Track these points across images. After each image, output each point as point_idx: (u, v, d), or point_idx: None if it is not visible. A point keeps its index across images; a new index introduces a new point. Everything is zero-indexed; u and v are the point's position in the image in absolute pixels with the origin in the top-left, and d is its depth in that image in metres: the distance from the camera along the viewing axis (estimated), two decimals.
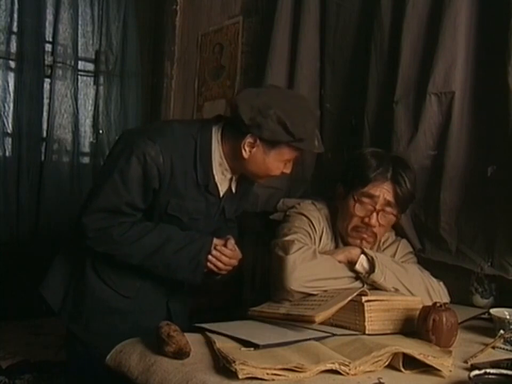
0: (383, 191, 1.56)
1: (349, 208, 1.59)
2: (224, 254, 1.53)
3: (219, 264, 1.53)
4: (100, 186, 1.50)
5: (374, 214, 1.56)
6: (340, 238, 1.68)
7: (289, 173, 1.60)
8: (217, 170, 1.56)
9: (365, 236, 1.59)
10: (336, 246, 1.67)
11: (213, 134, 1.54)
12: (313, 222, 1.65)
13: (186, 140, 1.52)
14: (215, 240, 1.54)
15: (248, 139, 1.47)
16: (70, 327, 1.61)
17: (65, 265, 1.64)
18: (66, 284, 1.62)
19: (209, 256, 1.52)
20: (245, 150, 1.49)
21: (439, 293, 1.53)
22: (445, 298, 1.51)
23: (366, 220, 1.56)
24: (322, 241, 1.66)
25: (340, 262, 1.52)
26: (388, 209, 1.57)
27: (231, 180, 1.61)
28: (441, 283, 1.57)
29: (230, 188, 1.62)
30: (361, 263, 1.50)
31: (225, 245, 1.54)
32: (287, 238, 1.56)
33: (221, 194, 1.60)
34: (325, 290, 1.43)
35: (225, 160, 1.55)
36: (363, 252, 1.52)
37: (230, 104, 1.52)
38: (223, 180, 1.58)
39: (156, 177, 1.47)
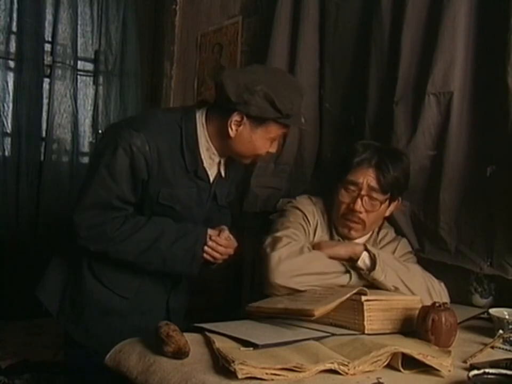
0: (367, 177, 1.57)
1: (337, 197, 1.62)
2: (220, 244, 1.53)
3: (215, 254, 1.54)
4: (88, 183, 1.48)
5: (359, 200, 1.58)
6: (335, 231, 1.69)
7: (275, 152, 1.60)
8: (205, 155, 1.55)
9: (352, 224, 1.61)
10: (331, 239, 1.68)
11: (197, 119, 1.54)
12: (307, 216, 1.67)
13: (171, 127, 1.51)
14: (210, 231, 1.54)
15: (235, 117, 1.46)
16: (69, 330, 1.59)
17: (61, 267, 1.62)
18: (63, 286, 1.59)
19: (206, 247, 1.52)
20: (231, 129, 1.47)
21: (439, 293, 1.53)
22: (446, 299, 1.51)
23: (352, 205, 1.59)
24: (317, 234, 1.67)
25: (341, 255, 1.52)
26: (373, 194, 1.58)
27: (219, 163, 1.61)
28: (442, 284, 1.57)
29: (219, 172, 1.62)
30: (363, 260, 1.50)
31: (219, 235, 1.54)
32: (277, 234, 1.57)
33: (211, 179, 1.60)
34: (315, 286, 1.44)
35: (212, 144, 1.54)
36: (366, 249, 1.52)
37: (215, 84, 1.51)
38: (211, 165, 1.58)
39: (143, 168, 1.46)
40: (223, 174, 1.63)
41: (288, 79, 1.56)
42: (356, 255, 1.52)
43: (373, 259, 1.49)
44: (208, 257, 1.53)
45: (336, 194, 1.63)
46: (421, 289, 1.50)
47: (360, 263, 1.50)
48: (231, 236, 1.56)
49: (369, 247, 1.53)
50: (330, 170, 2.12)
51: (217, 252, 1.53)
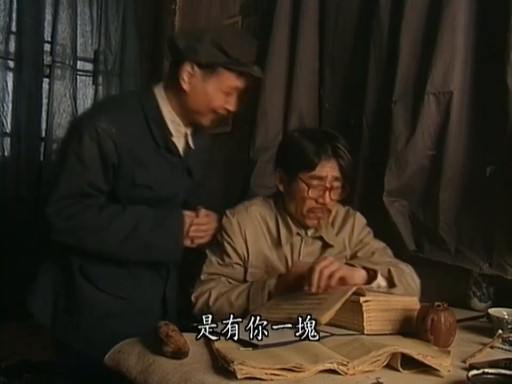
0: (329, 170, 1.57)
1: (300, 193, 1.59)
2: (202, 223, 1.53)
3: (200, 234, 1.53)
4: (58, 175, 1.45)
5: (327, 193, 1.57)
6: (292, 220, 1.65)
7: (234, 110, 1.55)
8: (171, 127, 1.54)
9: (321, 215, 1.61)
10: (289, 230, 1.65)
11: (156, 93, 1.53)
12: (229, 232, 1.64)
13: (132, 106, 1.50)
14: (187, 217, 1.51)
15: (186, 67, 1.45)
16: (66, 339, 1.52)
17: (50, 275, 1.55)
18: (54, 295, 1.53)
19: (191, 233, 1.51)
20: (184, 81, 1.46)
21: (411, 277, 1.53)
22: (416, 279, 1.53)
23: (320, 200, 1.58)
24: (259, 236, 1.65)
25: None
26: (336, 184, 1.59)
27: (186, 135, 1.59)
28: (409, 266, 1.57)
29: (187, 144, 1.60)
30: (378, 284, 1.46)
31: (198, 215, 1.53)
32: (201, 277, 1.62)
33: (181, 153, 1.57)
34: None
35: (175, 113, 1.53)
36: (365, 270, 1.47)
37: (167, 44, 1.52)
38: (179, 138, 1.57)
39: (112, 150, 1.43)
40: (191, 144, 1.60)
41: (239, 31, 1.61)
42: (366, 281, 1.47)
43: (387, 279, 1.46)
44: (196, 240, 1.53)
45: (300, 190, 1.59)
46: (413, 285, 1.50)
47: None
48: (209, 212, 1.55)
49: (369, 266, 1.48)
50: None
51: (201, 231, 1.53)
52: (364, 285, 1.44)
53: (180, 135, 1.57)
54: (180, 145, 1.57)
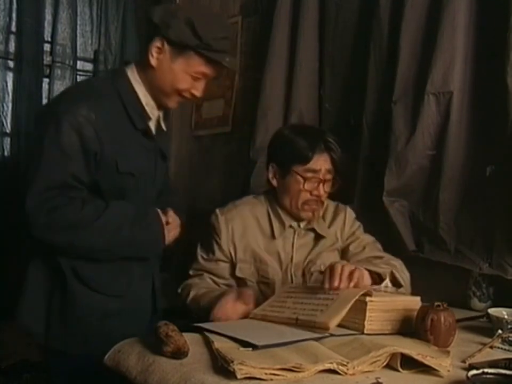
0: (322, 163, 1.63)
1: (296, 185, 1.64)
2: (173, 227, 1.52)
3: (171, 236, 1.52)
4: (36, 167, 1.36)
5: (321, 185, 1.63)
6: (284, 214, 1.68)
7: (200, 96, 1.51)
8: (148, 111, 1.50)
9: (315, 207, 1.66)
10: (282, 223, 1.68)
11: (130, 76, 1.49)
12: (216, 230, 1.70)
13: (106, 90, 1.45)
14: (160, 214, 1.49)
15: (156, 43, 1.42)
16: (63, 346, 1.45)
17: (39, 281, 1.49)
18: (46, 303, 1.47)
19: (166, 237, 1.49)
20: (152, 56, 1.42)
21: (404, 273, 1.56)
22: (407, 273, 1.57)
23: (315, 192, 1.64)
24: (248, 232, 1.69)
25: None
26: (328, 176, 1.65)
27: (158, 118, 1.56)
28: (398, 260, 1.60)
29: (159, 127, 1.57)
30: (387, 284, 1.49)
31: (167, 214, 1.52)
32: (190, 272, 1.73)
33: (155, 137, 1.54)
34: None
35: (149, 94, 1.49)
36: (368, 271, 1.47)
37: (146, 19, 1.49)
38: (152, 121, 1.53)
39: (93, 137, 1.37)
40: (164, 127, 1.57)
41: (219, 16, 1.54)
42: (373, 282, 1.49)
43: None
44: (170, 240, 1.52)
45: (295, 183, 1.63)
46: (406, 282, 1.54)
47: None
48: (175, 215, 1.54)
49: (373, 269, 1.49)
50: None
51: (171, 234, 1.52)
52: (371, 285, 1.46)
53: (153, 118, 1.54)
54: (153, 129, 1.54)
